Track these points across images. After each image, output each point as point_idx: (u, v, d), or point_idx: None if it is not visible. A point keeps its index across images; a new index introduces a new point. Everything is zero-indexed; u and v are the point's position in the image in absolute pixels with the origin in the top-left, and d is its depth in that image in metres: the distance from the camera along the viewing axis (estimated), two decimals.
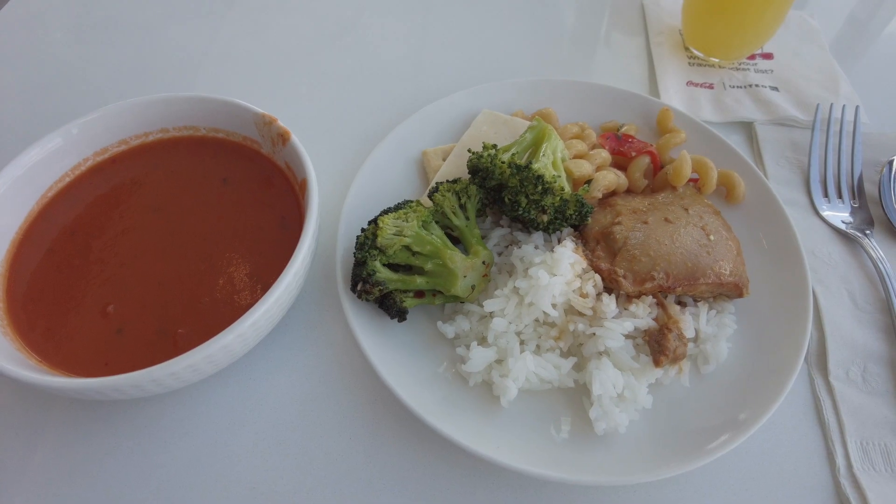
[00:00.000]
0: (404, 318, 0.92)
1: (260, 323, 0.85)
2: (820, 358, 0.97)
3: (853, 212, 1.14)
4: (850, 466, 0.87)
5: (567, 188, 0.96)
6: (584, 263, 0.90)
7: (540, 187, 0.91)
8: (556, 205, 0.93)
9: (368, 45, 1.48)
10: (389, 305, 0.90)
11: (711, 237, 0.93)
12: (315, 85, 1.39)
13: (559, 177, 0.93)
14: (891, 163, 1.15)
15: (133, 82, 1.39)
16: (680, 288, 0.89)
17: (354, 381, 0.94)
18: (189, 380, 0.86)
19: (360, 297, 0.90)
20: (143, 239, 0.99)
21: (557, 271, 0.87)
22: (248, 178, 1.06)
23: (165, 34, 1.50)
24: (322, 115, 1.32)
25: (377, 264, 0.89)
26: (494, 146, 0.97)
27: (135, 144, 1.09)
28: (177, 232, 1.00)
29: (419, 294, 0.93)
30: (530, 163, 0.92)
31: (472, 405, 0.87)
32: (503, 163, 0.93)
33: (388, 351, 0.90)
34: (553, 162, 0.97)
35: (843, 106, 1.22)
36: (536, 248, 0.96)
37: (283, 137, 1.01)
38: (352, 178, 1.07)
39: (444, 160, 1.10)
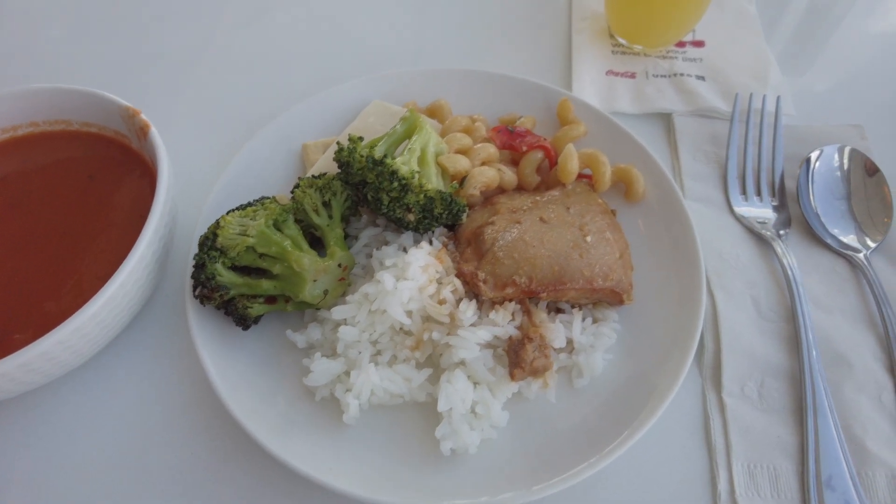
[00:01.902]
0: (248, 326, 0.85)
1: (86, 329, 0.79)
2: (715, 372, 0.89)
3: (774, 210, 1.04)
4: (732, 492, 0.79)
5: (435, 185, 0.88)
6: (439, 266, 0.82)
7: (396, 184, 0.83)
8: (422, 203, 0.85)
9: (259, 35, 1.39)
10: (232, 312, 0.83)
11: (588, 238, 0.85)
12: (200, 79, 1.30)
13: (418, 172, 0.86)
14: (808, 160, 1.05)
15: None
16: (545, 293, 0.81)
17: (199, 394, 0.87)
18: (11, 390, 0.81)
19: (201, 302, 0.83)
20: None
21: (407, 275, 0.79)
22: (115, 174, 1.01)
23: (46, 25, 1.42)
24: (205, 110, 1.25)
25: (218, 267, 0.82)
26: (360, 138, 0.90)
27: (2, 139, 1.04)
28: (33, 229, 0.95)
29: (271, 300, 0.86)
30: (385, 157, 0.85)
31: (316, 422, 0.80)
32: (362, 157, 0.85)
33: (233, 362, 0.83)
34: (421, 157, 0.89)
35: (764, 96, 1.12)
36: (405, 249, 0.88)
37: (143, 131, 0.95)
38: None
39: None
